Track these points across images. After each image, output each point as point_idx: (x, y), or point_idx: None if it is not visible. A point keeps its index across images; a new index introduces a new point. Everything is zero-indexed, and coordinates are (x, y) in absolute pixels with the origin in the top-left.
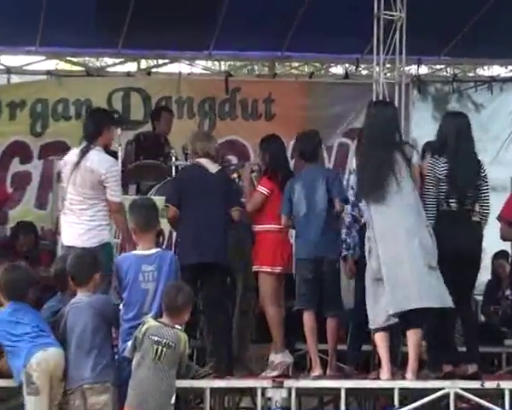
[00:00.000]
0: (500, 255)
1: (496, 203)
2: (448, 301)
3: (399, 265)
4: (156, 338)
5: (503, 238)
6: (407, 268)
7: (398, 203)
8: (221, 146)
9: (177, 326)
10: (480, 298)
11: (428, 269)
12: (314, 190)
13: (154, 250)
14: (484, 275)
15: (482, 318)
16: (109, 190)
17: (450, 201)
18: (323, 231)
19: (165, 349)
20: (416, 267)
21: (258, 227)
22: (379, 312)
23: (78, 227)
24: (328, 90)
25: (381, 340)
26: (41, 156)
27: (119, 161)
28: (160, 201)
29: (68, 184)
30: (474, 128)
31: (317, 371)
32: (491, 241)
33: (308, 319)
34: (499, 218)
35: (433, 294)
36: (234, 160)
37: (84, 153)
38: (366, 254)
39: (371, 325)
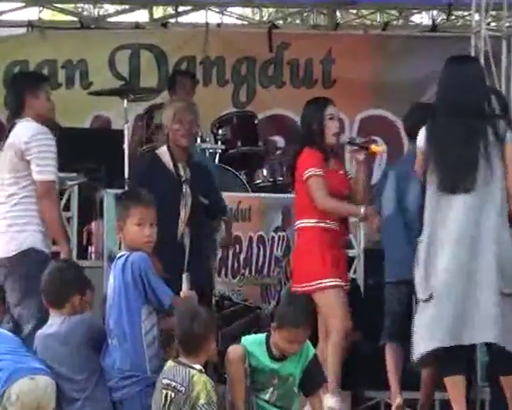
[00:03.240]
0: None
1: None
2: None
3: (468, 280)
4: (167, 381)
5: None
6: (477, 288)
7: (483, 198)
8: (263, 123)
9: (195, 366)
10: None
11: (501, 296)
12: (407, 185)
13: (124, 251)
14: None
15: None
16: (34, 165)
17: None
18: (414, 245)
19: (173, 395)
20: (488, 290)
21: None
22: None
23: None
24: (408, 47)
25: (452, 385)
26: None
27: (126, 141)
28: None
29: None
30: None
31: (398, 399)
32: None
33: (389, 350)
34: None
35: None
36: (281, 142)
37: (8, 132)
38: (416, 263)
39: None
